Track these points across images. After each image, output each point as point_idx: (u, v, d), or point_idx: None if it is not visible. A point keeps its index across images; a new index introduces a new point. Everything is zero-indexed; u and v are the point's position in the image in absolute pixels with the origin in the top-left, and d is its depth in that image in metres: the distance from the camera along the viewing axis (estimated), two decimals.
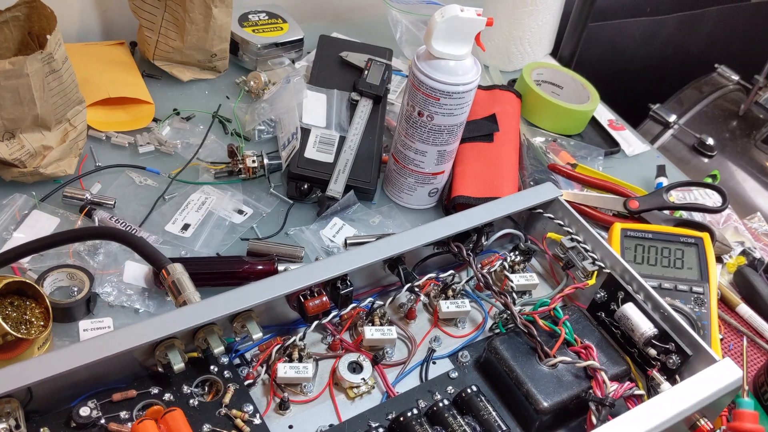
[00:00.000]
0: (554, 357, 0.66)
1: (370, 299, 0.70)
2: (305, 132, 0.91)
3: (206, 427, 0.59)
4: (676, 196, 1.01)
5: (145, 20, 0.98)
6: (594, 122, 1.13)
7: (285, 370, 0.64)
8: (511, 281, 0.76)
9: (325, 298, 0.66)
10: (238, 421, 0.60)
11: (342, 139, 0.92)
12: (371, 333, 0.69)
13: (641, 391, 0.65)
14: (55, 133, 0.81)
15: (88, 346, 0.56)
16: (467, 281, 0.76)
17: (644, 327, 0.69)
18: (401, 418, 0.61)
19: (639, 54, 1.55)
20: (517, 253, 0.80)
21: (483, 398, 0.64)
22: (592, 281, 0.74)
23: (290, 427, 0.64)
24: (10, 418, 0.54)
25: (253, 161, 0.88)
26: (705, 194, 1.03)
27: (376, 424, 0.63)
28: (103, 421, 0.57)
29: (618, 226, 0.85)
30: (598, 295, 0.74)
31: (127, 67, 1.00)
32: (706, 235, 0.84)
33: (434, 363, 0.71)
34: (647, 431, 0.59)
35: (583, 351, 0.67)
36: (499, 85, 1.07)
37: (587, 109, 1.08)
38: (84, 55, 0.97)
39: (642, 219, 0.93)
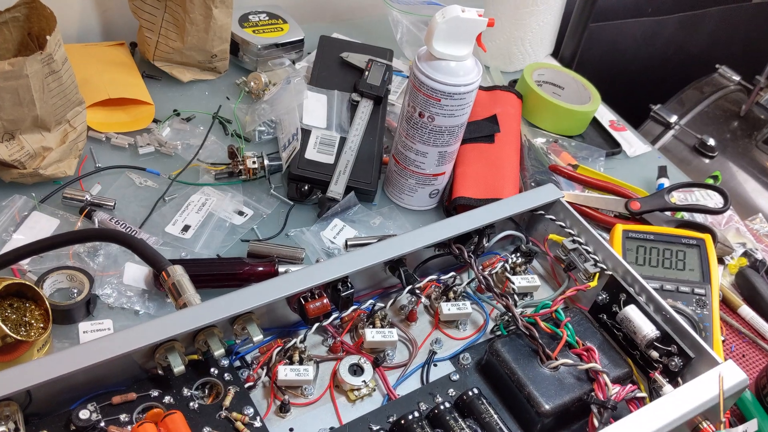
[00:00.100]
0: (556, 359, 0.66)
1: (371, 301, 0.70)
2: (306, 133, 0.91)
3: (206, 429, 0.58)
4: (677, 197, 1.01)
5: (145, 21, 0.97)
6: (595, 123, 1.13)
7: (285, 373, 0.64)
8: (513, 283, 0.76)
9: (325, 300, 0.66)
10: (239, 424, 0.59)
11: (342, 140, 0.92)
12: (372, 335, 0.68)
13: (643, 394, 0.65)
14: (55, 134, 0.81)
15: (87, 348, 0.56)
16: (468, 283, 0.76)
17: (646, 329, 0.69)
18: (402, 421, 0.61)
19: (640, 54, 1.55)
20: (518, 254, 0.80)
21: (484, 401, 0.64)
22: (593, 283, 0.74)
23: (291, 429, 0.63)
24: (9, 421, 0.54)
25: (254, 162, 0.87)
26: (706, 195, 1.03)
27: (377, 427, 0.63)
28: (102, 424, 0.57)
29: (619, 228, 0.85)
30: (600, 297, 0.74)
31: (127, 67, 1.00)
32: (707, 237, 0.84)
33: (435, 365, 0.70)
34: None
35: (584, 353, 0.67)
36: (500, 86, 1.07)
37: (588, 109, 1.08)
38: (84, 56, 0.97)
39: (643, 220, 0.93)
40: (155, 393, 0.60)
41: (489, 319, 0.75)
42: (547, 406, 0.63)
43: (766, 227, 1.02)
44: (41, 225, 0.77)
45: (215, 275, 0.75)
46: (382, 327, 0.70)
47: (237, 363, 0.65)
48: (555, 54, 1.26)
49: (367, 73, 1.01)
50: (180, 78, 1.01)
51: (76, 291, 0.71)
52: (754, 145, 1.30)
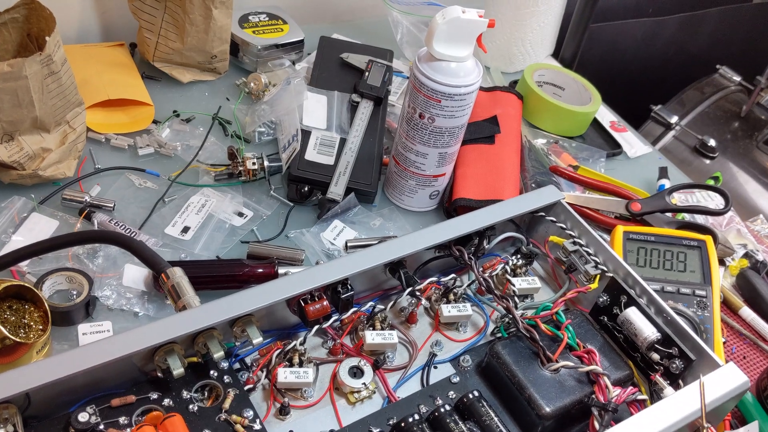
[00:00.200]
0: (556, 362, 0.66)
1: (371, 303, 0.70)
2: (306, 134, 0.91)
3: None
4: (678, 198, 1.01)
5: (144, 21, 0.97)
6: (596, 124, 1.12)
7: (285, 375, 0.64)
8: (513, 285, 0.76)
9: (325, 302, 0.66)
10: (238, 427, 0.59)
11: (342, 141, 0.92)
12: (372, 337, 0.68)
13: (644, 396, 0.65)
14: (54, 135, 0.81)
15: (86, 351, 0.56)
16: (469, 285, 0.76)
17: (647, 331, 0.68)
18: (402, 424, 0.61)
19: (640, 55, 1.55)
20: (519, 256, 0.80)
21: (485, 403, 0.64)
22: (594, 285, 0.74)
23: None
24: (8, 424, 0.53)
25: (254, 163, 0.87)
26: (707, 196, 1.03)
27: (377, 430, 0.62)
28: (101, 426, 0.57)
29: (620, 229, 0.85)
30: (601, 299, 0.74)
31: (127, 68, 0.99)
32: (708, 238, 0.84)
33: (435, 368, 0.70)
34: None
35: (585, 355, 0.66)
36: (501, 87, 1.07)
37: (589, 110, 1.07)
38: (83, 57, 0.96)
39: (644, 221, 0.92)
40: (154, 395, 0.60)
41: (489, 321, 0.75)
42: (547, 409, 0.63)
43: (767, 228, 1.02)
44: (40, 226, 0.77)
45: (215, 277, 0.75)
46: (382, 329, 0.70)
47: (236, 365, 0.65)
48: (555, 55, 1.26)
49: (367, 73, 1.01)
50: (180, 79, 1.01)
51: (75, 293, 0.71)
52: (755, 146, 1.29)
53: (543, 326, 0.68)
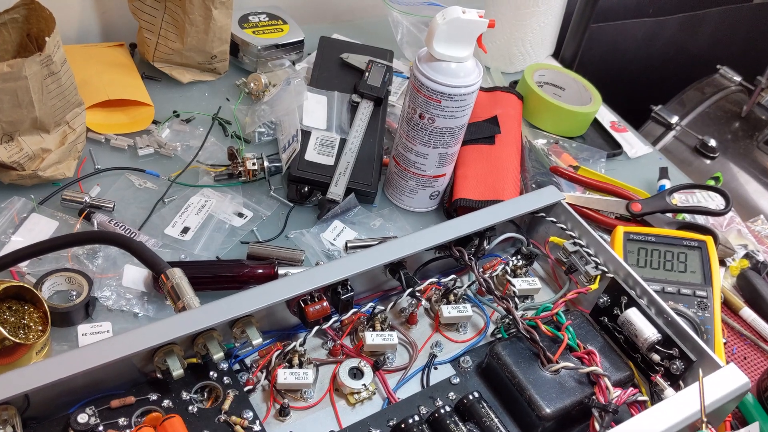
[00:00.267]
0: (557, 362, 0.65)
1: (371, 304, 0.70)
2: (306, 134, 0.91)
3: None
4: (678, 199, 1.01)
5: (144, 22, 0.97)
6: (596, 124, 1.12)
7: (285, 376, 0.64)
8: (513, 286, 0.76)
9: (325, 303, 0.66)
10: (238, 428, 0.59)
11: (343, 142, 0.92)
12: (372, 338, 0.68)
13: (645, 397, 0.65)
14: (54, 135, 0.81)
15: (85, 352, 0.56)
16: (469, 286, 0.75)
17: (648, 332, 0.68)
18: (402, 425, 0.61)
19: (641, 55, 1.54)
20: (519, 257, 0.80)
21: (485, 404, 0.64)
22: (595, 286, 0.74)
23: None
24: (8, 426, 0.53)
25: (254, 164, 0.87)
26: (708, 197, 1.02)
27: (377, 431, 0.62)
28: (101, 428, 0.57)
29: (621, 230, 0.85)
30: (601, 300, 0.74)
31: (127, 68, 0.99)
32: (709, 239, 0.84)
33: (436, 368, 0.70)
34: None
35: (586, 356, 0.66)
36: (501, 87, 1.07)
37: (589, 110, 1.07)
38: (83, 57, 0.96)
39: (645, 222, 0.92)
40: (154, 397, 0.60)
41: (489, 322, 0.75)
42: (548, 410, 0.62)
43: None
44: (40, 227, 0.77)
45: (214, 277, 0.74)
46: (382, 330, 0.70)
47: (236, 366, 0.65)
48: (556, 55, 1.26)
49: (367, 74, 1.01)
50: (180, 79, 1.01)
51: (75, 293, 0.71)
52: (756, 146, 1.29)
53: (543, 327, 0.68)
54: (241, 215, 0.84)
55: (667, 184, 1.01)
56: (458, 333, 0.74)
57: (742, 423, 0.75)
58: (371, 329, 0.69)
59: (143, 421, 0.58)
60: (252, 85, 1.01)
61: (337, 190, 0.86)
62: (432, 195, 0.90)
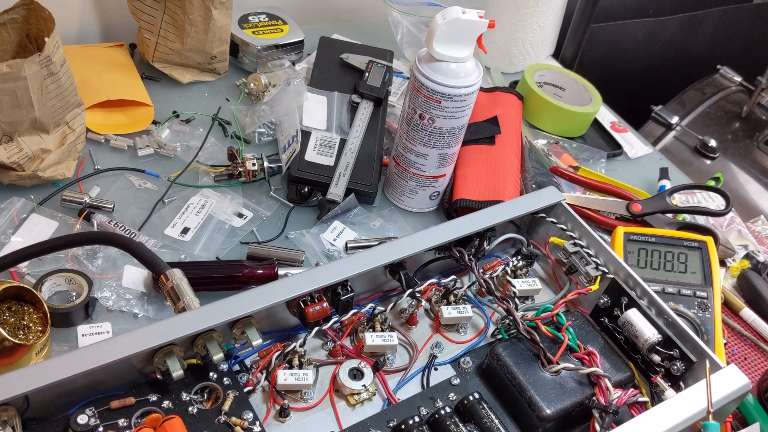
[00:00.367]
0: (557, 363, 0.65)
1: (371, 305, 0.70)
2: (306, 135, 0.91)
3: None
4: (678, 199, 1.01)
5: (144, 22, 0.97)
6: (596, 124, 1.12)
7: (285, 377, 0.64)
8: (514, 286, 0.76)
9: (325, 304, 0.66)
10: (238, 429, 0.59)
11: (343, 142, 0.92)
12: (372, 339, 0.68)
13: (645, 398, 0.65)
14: (54, 136, 0.81)
15: (85, 352, 0.56)
16: (469, 286, 0.75)
17: (648, 333, 0.68)
18: (403, 426, 0.61)
19: (641, 55, 1.54)
20: (519, 257, 0.80)
21: (485, 405, 0.64)
22: (595, 286, 0.74)
23: None
24: (7, 427, 0.53)
25: (253, 164, 0.87)
26: (708, 197, 1.02)
27: None
28: (101, 429, 0.56)
29: (621, 230, 0.85)
30: (602, 301, 0.74)
31: (127, 69, 0.99)
32: (709, 239, 0.84)
33: (436, 369, 0.70)
34: None
35: (586, 357, 0.66)
36: (501, 87, 1.07)
37: (589, 111, 1.07)
38: (83, 57, 0.96)
39: (645, 222, 0.92)
40: (154, 397, 0.60)
41: (490, 323, 0.75)
42: (548, 411, 0.62)
43: None
44: (40, 227, 0.77)
45: (214, 278, 0.74)
46: (382, 331, 0.69)
47: (236, 367, 0.65)
48: (556, 55, 1.26)
49: (367, 74, 1.01)
50: (179, 79, 1.01)
51: (74, 294, 0.71)
52: (756, 147, 1.29)
53: (543, 328, 0.68)
54: (241, 216, 0.84)
55: (668, 184, 1.01)
56: (458, 334, 0.74)
57: (743, 424, 0.75)
58: (371, 330, 0.69)
59: (143, 422, 0.58)
60: (252, 85, 1.01)
61: (337, 190, 0.86)
62: (432, 195, 0.90)
